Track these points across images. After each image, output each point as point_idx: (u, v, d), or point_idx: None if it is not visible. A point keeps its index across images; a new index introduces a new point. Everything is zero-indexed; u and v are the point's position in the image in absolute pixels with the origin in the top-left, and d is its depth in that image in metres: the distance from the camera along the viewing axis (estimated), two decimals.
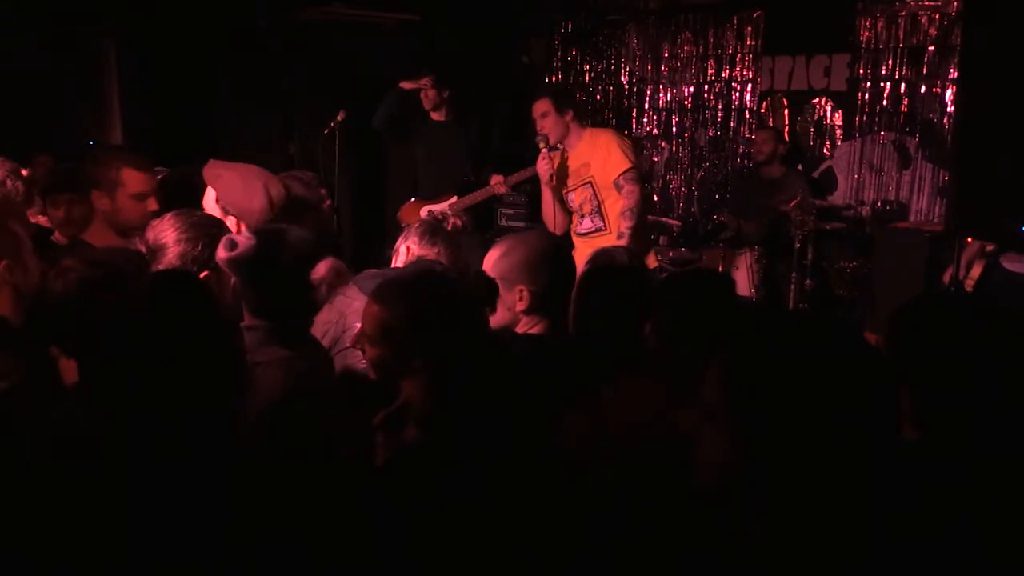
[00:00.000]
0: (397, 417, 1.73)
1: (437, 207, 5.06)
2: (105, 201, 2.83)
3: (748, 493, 1.11)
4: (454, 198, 5.30)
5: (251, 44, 6.48)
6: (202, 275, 2.10)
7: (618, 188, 4.11)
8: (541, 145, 4.19)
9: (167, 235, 2.16)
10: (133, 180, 2.84)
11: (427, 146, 5.52)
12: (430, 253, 2.77)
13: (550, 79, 7.57)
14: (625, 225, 4.07)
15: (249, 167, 2.74)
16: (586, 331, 2.27)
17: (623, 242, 3.95)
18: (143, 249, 2.19)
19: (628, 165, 4.11)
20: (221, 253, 1.98)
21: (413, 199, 5.56)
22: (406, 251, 2.82)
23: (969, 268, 4.32)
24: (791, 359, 1.09)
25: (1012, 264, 4.30)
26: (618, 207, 4.13)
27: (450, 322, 1.83)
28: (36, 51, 5.73)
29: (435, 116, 5.56)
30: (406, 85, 5.47)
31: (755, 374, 1.10)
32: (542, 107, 4.21)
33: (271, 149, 6.51)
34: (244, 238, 1.99)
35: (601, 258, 2.50)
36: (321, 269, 1.99)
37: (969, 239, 4.40)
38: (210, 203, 2.69)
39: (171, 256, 2.14)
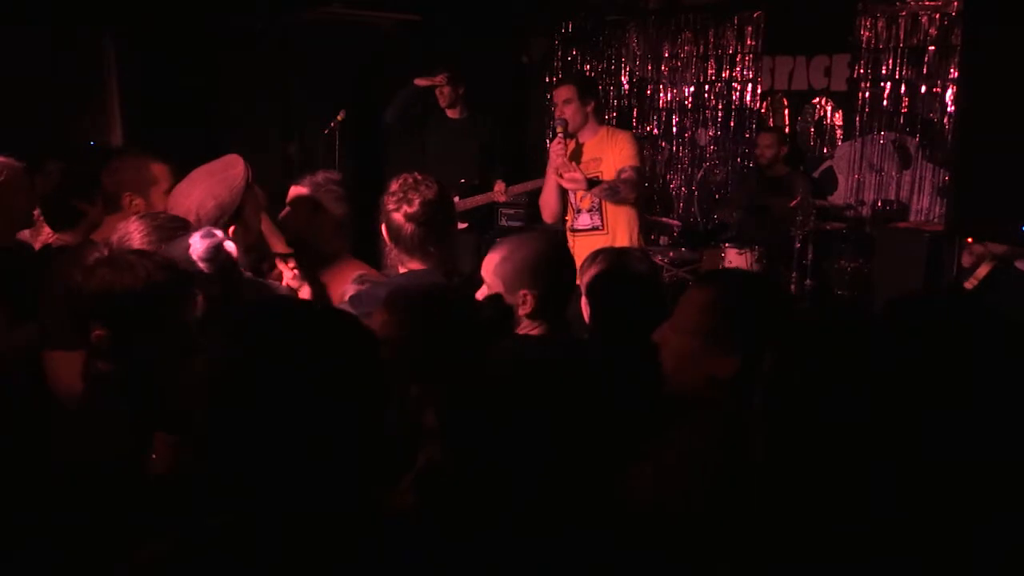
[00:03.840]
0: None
1: None
2: (139, 202, 2.76)
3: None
4: (456, 198, 5.30)
5: (251, 44, 6.47)
6: None
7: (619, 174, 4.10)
8: (559, 130, 4.14)
9: (132, 238, 2.16)
10: (164, 176, 2.80)
11: (441, 143, 5.46)
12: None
13: (550, 79, 7.57)
14: (624, 186, 4.05)
15: (213, 173, 2.59)
16: (607, 336, 2.22)
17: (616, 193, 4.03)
18: (107, 252, 2.18)
19: (637, 163, 4.13)
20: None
21: None
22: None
23: (974, 269, 4.31)
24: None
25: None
26: (620, 208, 4.14)
27: (462, 343, 1.79)
28: (36, 51, 5.72)
29: (451, 113, 5.51)
30: (421, 82, 5.40)
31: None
32: (565, 93, 4.18)
33: (271, 149, 6.50)
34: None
35: (613, 259, 2.42)
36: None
37: (970, 239, 4.40)
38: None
39: None
